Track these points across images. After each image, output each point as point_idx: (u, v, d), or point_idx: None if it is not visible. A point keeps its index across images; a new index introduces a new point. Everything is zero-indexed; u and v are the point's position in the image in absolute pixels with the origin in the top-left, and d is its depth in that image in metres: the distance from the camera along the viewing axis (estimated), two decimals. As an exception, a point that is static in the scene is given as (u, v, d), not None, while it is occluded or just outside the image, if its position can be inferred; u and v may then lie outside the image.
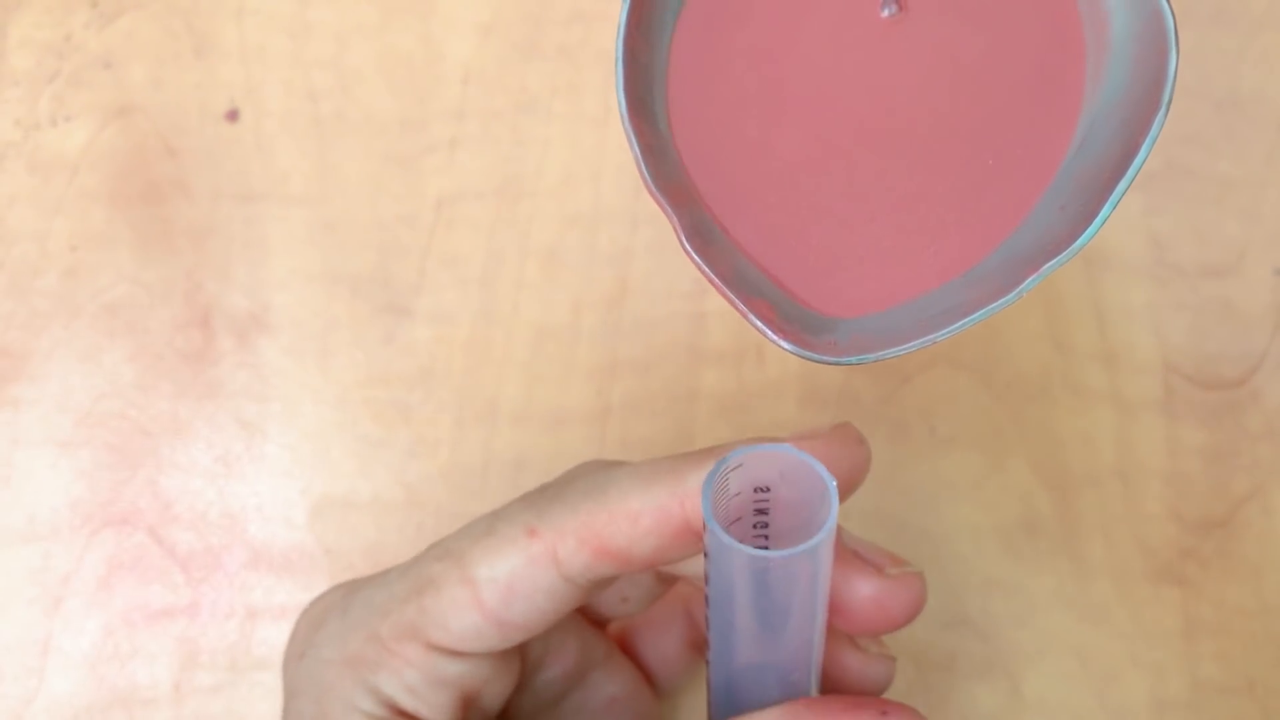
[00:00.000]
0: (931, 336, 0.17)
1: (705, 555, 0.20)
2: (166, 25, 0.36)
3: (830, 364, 0.17)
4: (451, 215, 0.34)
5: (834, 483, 0.18)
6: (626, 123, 0.17)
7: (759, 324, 0.17)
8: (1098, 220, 0.16)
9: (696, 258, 0.17)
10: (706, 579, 0.20)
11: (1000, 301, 0.16)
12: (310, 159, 0.35)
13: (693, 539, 0.22)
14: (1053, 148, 0.18)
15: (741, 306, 0.17)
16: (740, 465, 0.19)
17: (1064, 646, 0.32)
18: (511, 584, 0.22)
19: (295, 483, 0.33)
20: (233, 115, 0.35)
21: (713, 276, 0.17)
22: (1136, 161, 0.16)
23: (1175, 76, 0.16)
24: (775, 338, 0.17)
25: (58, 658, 0.32)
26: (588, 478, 0.23)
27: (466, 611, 0.22)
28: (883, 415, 0.33)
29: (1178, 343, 0.33)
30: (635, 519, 0.22)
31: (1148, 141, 0.16)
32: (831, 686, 0.24)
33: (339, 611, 0.24)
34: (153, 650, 0.32)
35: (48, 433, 0.33)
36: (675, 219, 0.17)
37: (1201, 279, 0.34)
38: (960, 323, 0.17)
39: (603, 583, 0.23)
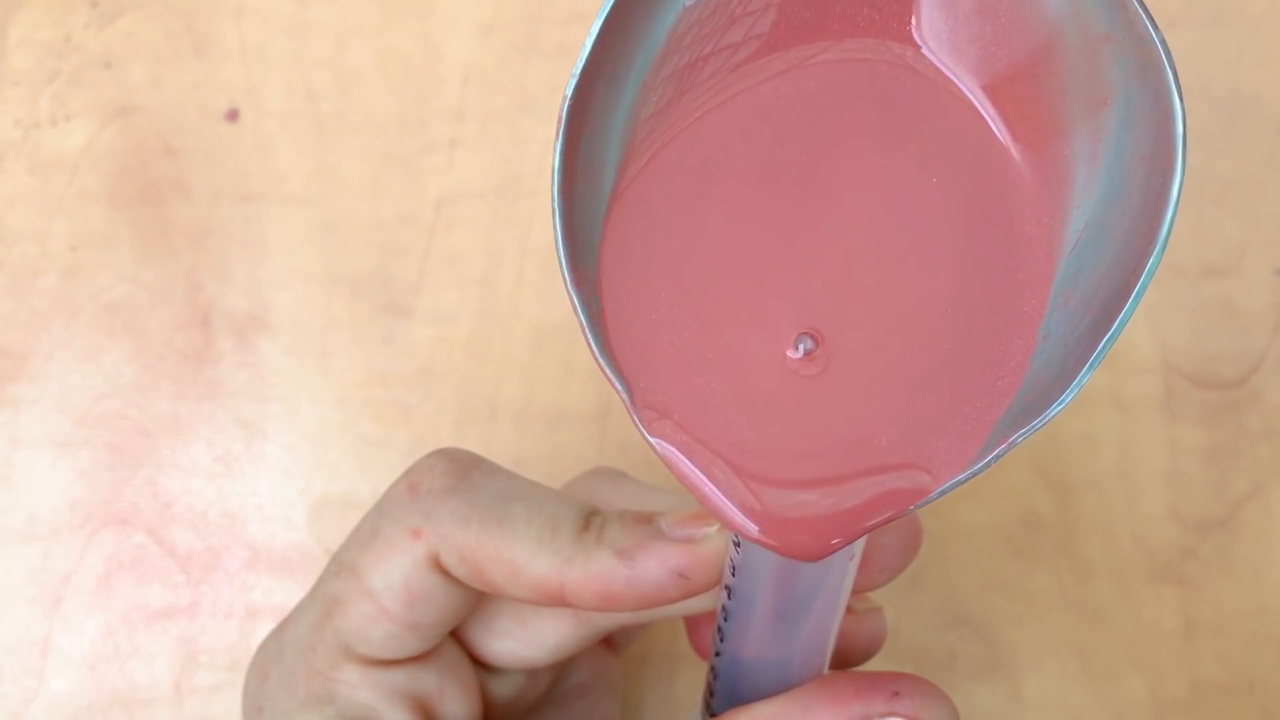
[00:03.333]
0: (908, 508, 0.16)
1: (735, 545, 0.20)
2: (166, 25, 0.36)
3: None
4: (451, 215, 0.34)
5: None
6: (569, 282, 0.15)
7: (725, 507, 0.15)
8: (1074, 385, 0.15)
9: (650, 438, 0.15)
10: (732, 569, 0.20)
11: (976, 468, 0.15)
12: (310, 159, 0.35)
13: (567, 609, 0.22)
14: (1034, 295, 0.16)
15: (706, 488, 0.15)
16: None
17: (1064, 646, 0.32)
18: (409, 588, 0.22)
19: (295, 483, 0.33)
20: (233, 115, 0.35)
21: (671, 456, 0.15)
22: (1123, 314, 0.15)
23: (1178, 200, 0.14)
24: (744, 521, 0.15)
25: (57, 658, 0.32)
26: (490, 490, 0.22)
27: (376, 623, 0.22)
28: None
29: (1177, 343, 0.33)
30: (516, 571, 0.21)
31: (1138, 288, 0.15)
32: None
33: (275, 659, 0.23)
34: (153, 650, 0.32)
35: (48, 433, 0.33)
36: (625, 394, 0.15)
37: (1201, 279, 0.34)
38: (936, 491, 0.15)
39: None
